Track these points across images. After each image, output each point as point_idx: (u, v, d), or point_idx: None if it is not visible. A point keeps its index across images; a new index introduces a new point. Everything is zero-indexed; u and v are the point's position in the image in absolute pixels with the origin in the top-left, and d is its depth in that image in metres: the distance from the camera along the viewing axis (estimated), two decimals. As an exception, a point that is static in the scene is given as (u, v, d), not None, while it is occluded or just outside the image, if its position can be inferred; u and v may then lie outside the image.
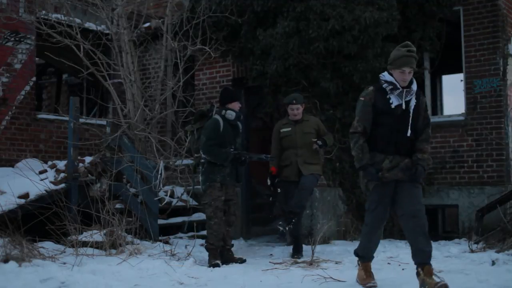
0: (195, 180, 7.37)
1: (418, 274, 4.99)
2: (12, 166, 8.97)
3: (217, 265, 6.58)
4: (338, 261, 6.70)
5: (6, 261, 6.12)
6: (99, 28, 10.08)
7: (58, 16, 9.56)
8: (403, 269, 6.17)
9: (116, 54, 9.59)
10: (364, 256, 5.39)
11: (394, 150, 5.08)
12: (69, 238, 7.25)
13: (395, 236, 8.82)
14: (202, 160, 6.98)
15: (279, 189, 7.41)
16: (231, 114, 6.91)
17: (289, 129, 7.41)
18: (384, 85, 5.10)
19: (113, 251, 7.07)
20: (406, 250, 7.57)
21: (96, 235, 7.29)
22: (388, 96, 5.06)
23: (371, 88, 5.19)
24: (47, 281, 5.41)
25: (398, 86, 5.05)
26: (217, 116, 6.93)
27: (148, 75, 11.06)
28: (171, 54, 9.81)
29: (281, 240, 9.13)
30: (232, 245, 7.18)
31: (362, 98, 5.17)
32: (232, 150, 6.91)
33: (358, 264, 5.46)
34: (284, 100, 7.61)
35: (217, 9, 9.40)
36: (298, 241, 7.43)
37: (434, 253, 7.23)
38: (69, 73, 12.47)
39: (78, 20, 9.52)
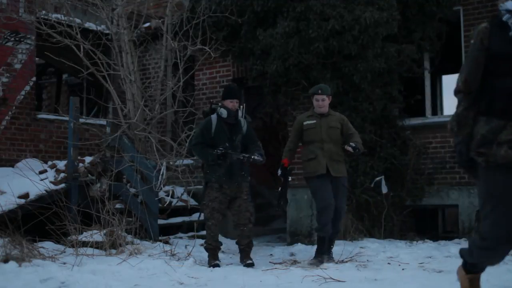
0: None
1: None
2: (12, 166, 8.97)
3: (217, 265, 6.56)
4: (338, 261, 6.70)
5: (6, 261, 6.13)
6: (99, 28, 10.08)
7: (58, 16, 9.56)
8: (403, 269, 6.16)
9: (116, 54, 9.59)
10: (474, 267, 3.67)
11: None
12: (69, 238, 7.25)
13: (395, 236, 8.82)
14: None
15: (290, 178, 6.96)
16: (221, 112, 6.85)
17: (314, 121, 6.92)
18: (506, 17, 3.44)
19: (113, 251, 7.07)
20: (406, 250, 7.60)
21: (96, 235, 7.29)
22: (511, 33, 3.40)
23: (484, 24, 3.54)
24: (47, 281, 5.41)
25: None
26: (213, 115, 6.92)
27: (148, 75, 11.06)
28: (171, 54, 9.81)
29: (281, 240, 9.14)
30: (248, 244, 6.84)
31: (471, 41, 3.56)
32: (220, 149, 6.67)
33: (465, 271, 3.74)
34: (309, 91, 7.18)
35: (217, 9, 9.40)
36: (325, 242, 6.84)
37: (434, 253, 7.29)
38: (69, 73, 12.47)
39: (78, 20, 9.52)
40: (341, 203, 6.90)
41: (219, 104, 7.02)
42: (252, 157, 6.77)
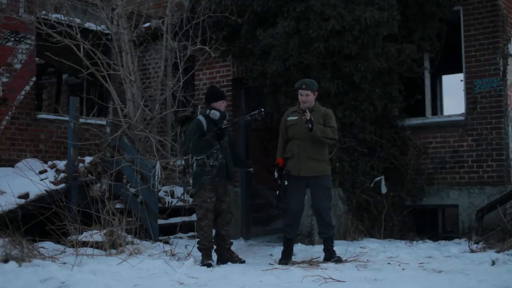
0: (185, 181, 7.28)
1: None
2: (12, 166, 8.97)
3: (210, 265, 6.56)
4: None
5: (6, 261, 6.12)
6: (99, 28, 10.08)
7: (58, 16, 9.57)
8: (403, 269, 6.16)
9: (116, 54, 9.59)
10: None
11: None
12: (69, 238, 7.25)
13: (395, 236, 8.82)
14: (185, 162, 6.99)
15: (286, 182, 6.72)
16: (214, 114, 6.81)
17: (296, 117, 6.78)
18: None
19: (113, 251, 7.07)
20: (406, 250, 7.60)
21: (96, 235, 7.28)
22: None
23: None
24: (47, 281, 5.41)
25: None
26: (200, 117, 6.87)
27: (148, 75, 11.06)
28: (171, 54, 9.80)
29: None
30: (231, 243, 7.06)
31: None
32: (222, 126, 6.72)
33: None
34: (295, 85, 7.00)
35: (217, 9, 9.40)
36: (290, 245, 6.91)
37: (434, 253, 7.29)
38: (69, 73, 12.47)
39: (78, 20, 9.53)
40: (321, 203, 6.72)
41: (200, 106, 6.99)
42: (257, 111, 6.86)
